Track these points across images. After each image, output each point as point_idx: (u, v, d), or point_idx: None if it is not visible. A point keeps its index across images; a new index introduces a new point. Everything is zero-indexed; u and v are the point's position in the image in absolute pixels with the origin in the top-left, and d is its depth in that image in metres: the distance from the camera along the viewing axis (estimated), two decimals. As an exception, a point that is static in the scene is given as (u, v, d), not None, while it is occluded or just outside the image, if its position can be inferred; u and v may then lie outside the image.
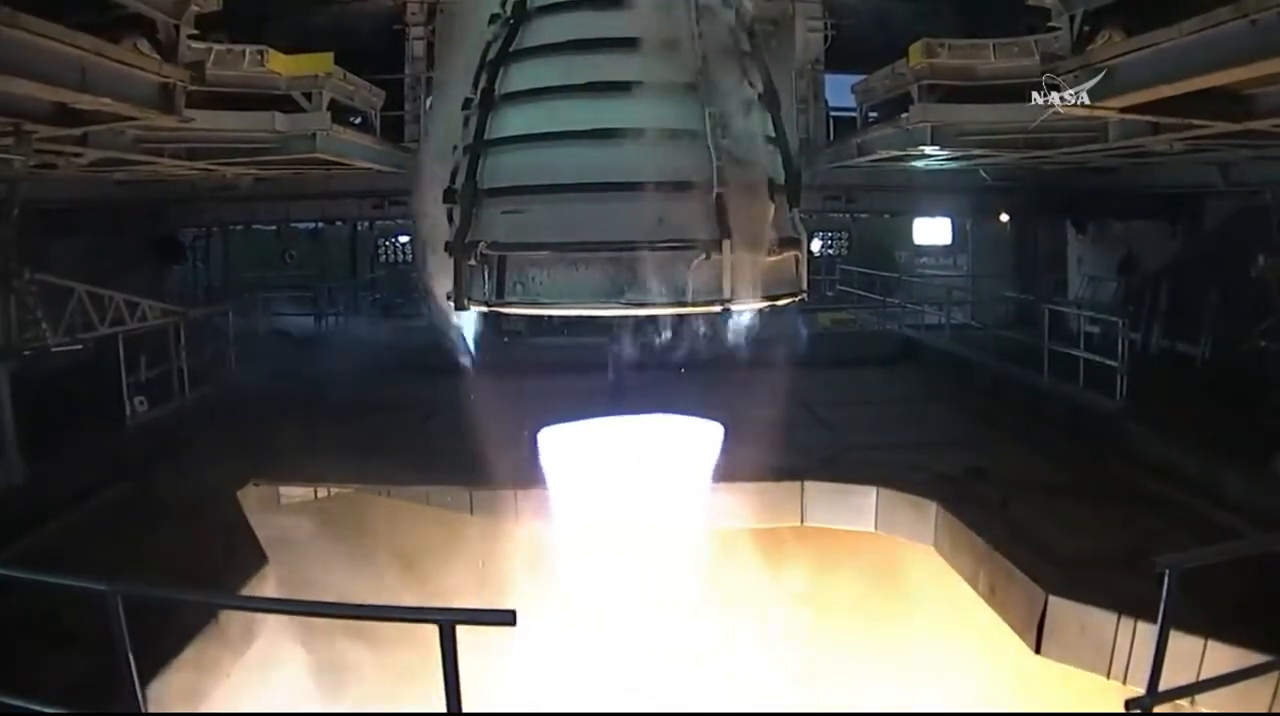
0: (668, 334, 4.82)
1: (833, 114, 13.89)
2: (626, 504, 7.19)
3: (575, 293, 4.19)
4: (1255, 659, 4.21)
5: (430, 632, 2.94)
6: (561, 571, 7.70)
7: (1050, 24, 6.80)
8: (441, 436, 9.43)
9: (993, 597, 6.56)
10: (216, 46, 8.09)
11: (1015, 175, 12.99)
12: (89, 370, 8.95)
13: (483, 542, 8.26)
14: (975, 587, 6.82)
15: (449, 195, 4.40)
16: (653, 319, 4.67)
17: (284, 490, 8.44)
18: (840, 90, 13.09)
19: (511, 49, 4.37)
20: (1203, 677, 4.45)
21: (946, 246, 19.27)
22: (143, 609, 3.52)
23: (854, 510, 8.01)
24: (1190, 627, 4.64)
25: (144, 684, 3.50)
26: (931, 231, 18.47)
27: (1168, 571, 3.45)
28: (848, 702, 7.65)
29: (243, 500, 7.87)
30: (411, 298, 17.14)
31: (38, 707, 3.47)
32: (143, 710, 3.49)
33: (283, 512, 8.25)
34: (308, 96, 9.16)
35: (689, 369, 7.28)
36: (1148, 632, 4.08)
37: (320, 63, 9.27)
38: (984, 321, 13.45)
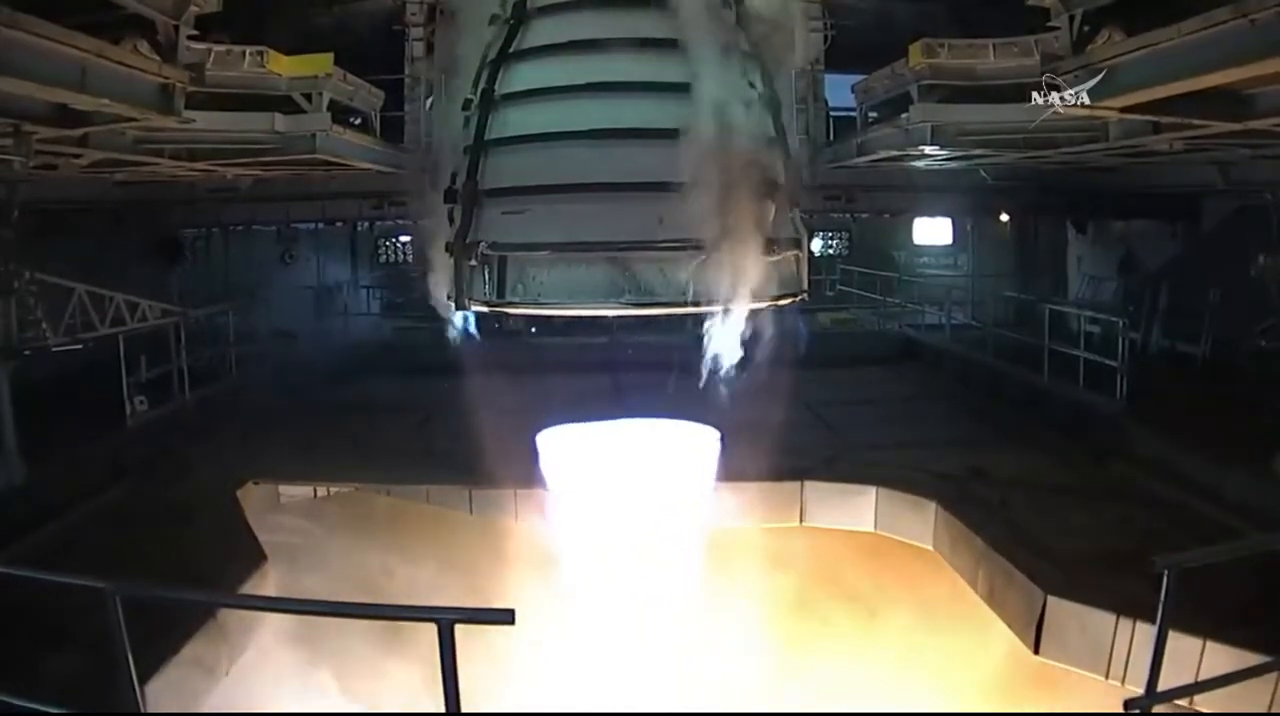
0: (666, 335, 4.81)
1: (833, 114, 13.87)
2: (626, 506, 7.18)
3: (576, 293, 4.20)
4: (1254, 659, 4.22)
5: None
6: (561, 572, 7.70)
7: (1050, 24, 6.80)
8: (441, 437, 9.44)
9: (992, 598, 6.56)
10: (216, 47, 8.07)
11: (1015, 175, 12.98)
12: (89, 370, 8.95)
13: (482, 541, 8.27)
14: (974, 588, 6.82)
15: (449, 195, 4.41)
16: (652, 319, 4.68)
17: (284, 489, 8.46)
18: (840, 90, 13.07)
19: (511, 49, 4.38)
20: (1201, 678, 4.45)
21: (947, 246, 19.22)
22: (142, 608, 3.52)
23: (853, 510, 8.00)
24: (1189, 628, 4.64)
25: (142, 683, 3.50)
26: (931, 231, 18.41)
27: (1167, 571, 3.45)
28: (846, 703, 7.64)
29: (242, 499, 7.87)
30: (412, 297, 17.12)
31: (38, 707, 3.48)
32: (141, 709, 3.49)
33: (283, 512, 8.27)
34: (308, 97, 9.16)
35: (688, 369, 7.29)
36: (1146, 633, 4.08)
37: (320, 63, 9.25)
38: (984, 321, 13.44)
